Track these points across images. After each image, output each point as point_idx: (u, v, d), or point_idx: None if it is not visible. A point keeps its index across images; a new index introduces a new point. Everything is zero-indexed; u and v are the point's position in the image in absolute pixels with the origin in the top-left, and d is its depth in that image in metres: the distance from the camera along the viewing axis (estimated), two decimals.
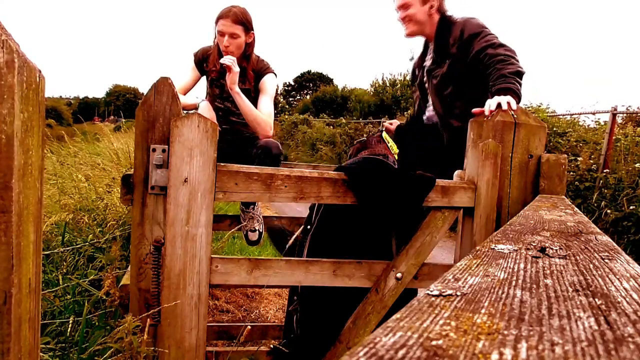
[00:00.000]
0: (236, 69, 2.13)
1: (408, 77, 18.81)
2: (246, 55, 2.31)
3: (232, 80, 2.12)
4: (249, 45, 2.30)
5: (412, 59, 2.30)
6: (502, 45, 1.85)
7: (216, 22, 2.26)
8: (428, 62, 2.12)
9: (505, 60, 1.79)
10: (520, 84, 1.74)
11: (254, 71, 2.35)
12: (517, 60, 1.80)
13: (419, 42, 2.20)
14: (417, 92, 2.26)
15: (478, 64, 1.86)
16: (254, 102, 2.31)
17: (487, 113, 1.54)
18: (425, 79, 2.14)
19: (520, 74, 1.77)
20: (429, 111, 2.16)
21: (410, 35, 2.10)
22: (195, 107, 2.28)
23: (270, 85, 2.35)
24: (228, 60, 2.11)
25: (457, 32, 1.95)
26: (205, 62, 2.37)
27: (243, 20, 2.24)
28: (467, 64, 1.92)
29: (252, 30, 2.29)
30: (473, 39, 1.89)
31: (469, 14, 2.04)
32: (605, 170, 5.11)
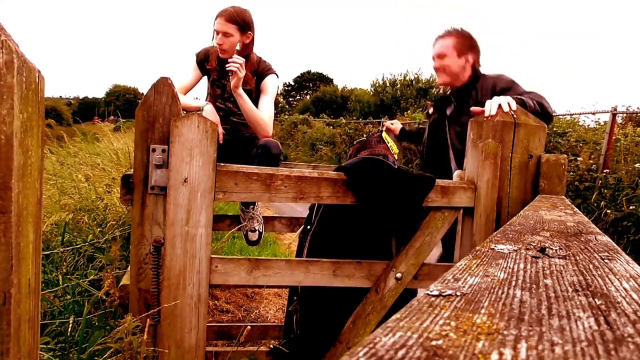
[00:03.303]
0: (241, 74, 2.12)
1: (408, 77, 18.84)
2: (244, 56, 2.31)
3: (236, 83, 2.12)
4: (247, 46, 2.30)
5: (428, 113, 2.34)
6: (533, 92, 1.85)
7: (214, 21, 2.26)
8: (449, 111, 2.14)
9: (531, 94, 1.78)
10: (534, 106, 1.69)
11: (256, 72, 2.35)
12: (545, 100, 1.78)
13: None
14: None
15: None
16: (255, 102, 2.31)
17: (486, 114, 1.53)
18: (444, 124, 2.15)
19: (541, 105, 1.72)
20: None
21: (442, 84, 2.16)
22: (199, 110, 2.28)
23: (271, 86, 2.35)
24: (234, 66, 2.11)
25: (489, 85, 1.97)
26: (207, 62, 2.38)
27: (237, 20, 2.24)
28: None
29: (250, 31, 2.28)
30: (506, 92, 1.88)
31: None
32: (605, 171, 5.11)
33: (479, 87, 2.01)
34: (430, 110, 2.29)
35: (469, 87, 2.05)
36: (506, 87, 1.92)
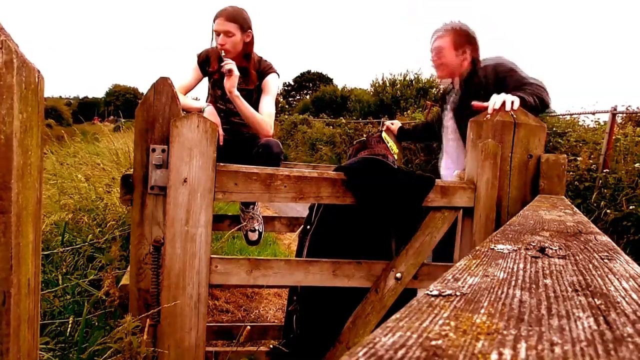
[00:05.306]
0: (236, 73, 2.13)
1: (408, 77, 18.83)
2: (246, 55, 2.31)
3: (232, 84, 2.12)
4: (248, 45, 2.30)
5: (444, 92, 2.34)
6: (534, 81, 1.86)
7: (213, 22, 2.26)
8: (450, 102, 2.16)
9: (533, 86, 1.80)
10: (534, 102, 1.72)
11: (257, 71, 2.35)
12: (546, 93, 1.81)
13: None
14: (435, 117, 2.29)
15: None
16: (257, 102, 2.31)
17: (490, 110, 1.54)
18: (447, 116, 2.16)
19: (541, 99, 1.75)
20: (447, 165, 2.16)
21: (441, 78, 2.18)
22: (200, 111, 2.28)
23: (272, 86, 2.35)
24: (228, 66, 2.11)
25: (490, 69, 1.99)
26: (208, 63, 2.38)
27: (238, 18, 2.24)
28: None
29: (250, 29, 2.29)
30: (506, 77, 1.92)
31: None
32: (604, 170, 5.10)
33: (482, 76, 2.01)
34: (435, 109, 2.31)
35: (472, 76, 2.06)
36: (507, 74, 1.93)
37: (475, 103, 1.63)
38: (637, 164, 4.72)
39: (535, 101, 1.72)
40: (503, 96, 1.57)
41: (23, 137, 0.64)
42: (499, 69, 1.96)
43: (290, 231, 2.64)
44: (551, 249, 0.64)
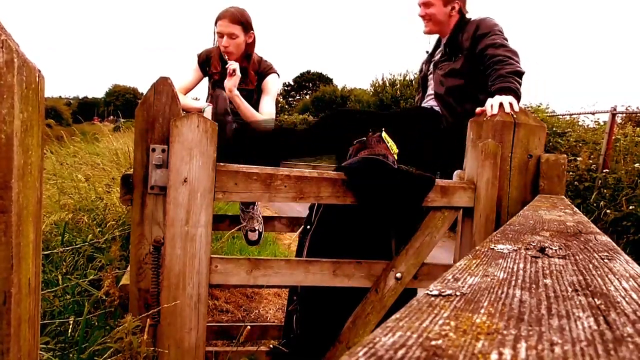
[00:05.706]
0: (239, 74, 2.14)
1: (408, 77, 18.81)
2: (247, 56, 2.31)
3: (233, 84, 2.13)
4: (249, 45, 2.31)
5: (428, 52, 2.32)
6: (503, 46, 1.87)
7: (215, 24, 2.26)
8: (437, 57, 2.15)
9: (503, 61, 1.81)
10: (519, 83, 1.76)
11: (257, 72, 2.36)
12: (517, 61, 1.82)
13: (434, 37, 2.24)
14: (420, 88, 2.28)
15: (481, 62, 1.89)
16: (257, 102, 2.31)
17: (489, 114, 1.54)
18: (430, 71, 2.15)
19: (519, 74, 1.78)
20: (428, 100, 2.17)
21: (428, 33, 2.16)
22: (200, 111, 2.28)
23: (272, 86, 2.36)
24: (232, 66, 2.12)
25: (472, 29, 1.99)
26: (208, 64, 2.38)
27: (241, 20, 2.24)
28: (475, 61, 1.95)
29: (252, 30, 2.30)
30: (481, 38, 1.94)
31: (486, 14, 2.07)
32: (604, 170, 5.10)
33: (465, 31, 2.02)
34: (424, 67, 2.29)
35: (456, 32, 2.06)
36: (484, 32, 1.94)
37: (477, 110, 1.64)
38: (637, 164, 4.73)
39: (518, 81, 1.75)
40: (498, 99, 1.58)
41: (24, 137, 0.64)
42: (479, 30, 1.97)
43: (290, 231, 2.64)
44: (551, 248, 0.64)
